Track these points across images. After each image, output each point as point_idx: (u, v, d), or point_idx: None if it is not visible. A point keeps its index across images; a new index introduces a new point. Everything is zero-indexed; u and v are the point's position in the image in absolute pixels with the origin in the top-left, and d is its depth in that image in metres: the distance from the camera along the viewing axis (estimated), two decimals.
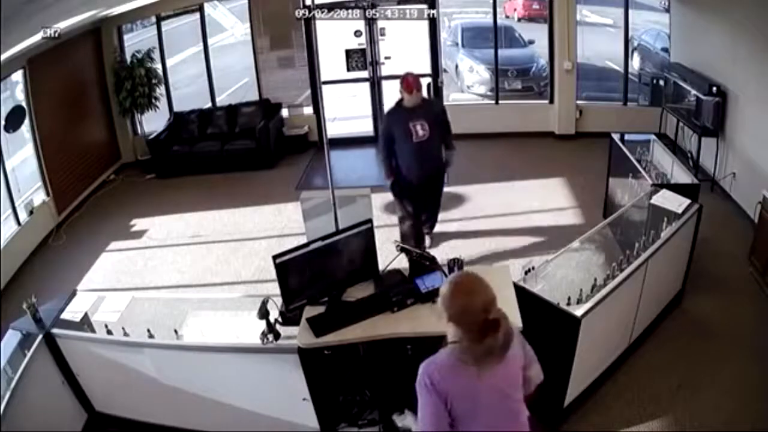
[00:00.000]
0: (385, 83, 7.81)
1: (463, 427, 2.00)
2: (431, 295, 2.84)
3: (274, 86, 8.05)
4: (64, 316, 3.40)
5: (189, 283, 5.28)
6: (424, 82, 7.70)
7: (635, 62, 8.35)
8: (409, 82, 4.56)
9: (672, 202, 4.03)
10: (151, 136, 7.60)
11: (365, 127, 8.18)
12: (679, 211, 3.94)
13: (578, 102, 7.65)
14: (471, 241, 5.42)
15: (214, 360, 3.15)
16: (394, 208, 5.39)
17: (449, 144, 4.93)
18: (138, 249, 5.95)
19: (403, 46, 7.94)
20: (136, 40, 7.99)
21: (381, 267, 3.27)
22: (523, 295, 3.06)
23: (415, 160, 4.74)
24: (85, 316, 3.40)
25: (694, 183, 4.47)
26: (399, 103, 4.69)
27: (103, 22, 7.37)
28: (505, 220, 5.75)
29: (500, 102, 8.00)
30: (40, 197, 6.31)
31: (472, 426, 2.00)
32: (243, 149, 7.51)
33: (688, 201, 4.02)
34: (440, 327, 2.04)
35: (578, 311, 3.09)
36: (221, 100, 8.21)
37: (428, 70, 7.73)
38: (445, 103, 7.93)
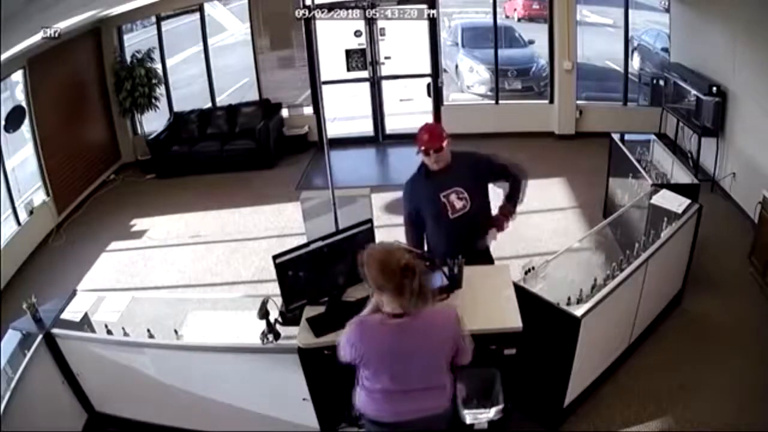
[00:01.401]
0: (385, 83, 7.81)
1: (379, 383, 2.30)
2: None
3: (274, 86, 8.06)
4: (64, 316, 3.39)
5: (189, 283, 5.29)
6: (424, 82, 7.75)
7: (635, 62, 8.35)
8: (424, 140, 3.12)
9: (672, 202, 4.02)
10: (151, 136, 7.60)
11: (365, 127, 8.18)
12: (679, 211, 3.94)
13: (578, 102, 7.65)
14: None
15: (214, 360, 3.15)
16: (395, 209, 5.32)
17: (516, 175, 3.46)
18: (138, 249, 5.95)
19: (403, 46, 7.95)
20: (136, 40, 7.99)
21: None
22: (523, 295, 3.06)
23: (454, 242, 3.25)
24: (85, 316, 3.40)
25: (694, 183, 4.47)
26: (422, 168, 3.27)
27: (103, 22, 7.37)
28: None
29: (500, 102, 8.00)
30: (40, 197, 6.31)
31: (393, 384, 2.29)
32: (243, 149, 7.51)
33: (688, 201, 4.02)
34: None
35: (578, 311, 3.09)
36: (221, 100, 8.22)
37: (428, 70, 7.73)
38: (445, 103, 7.95)
